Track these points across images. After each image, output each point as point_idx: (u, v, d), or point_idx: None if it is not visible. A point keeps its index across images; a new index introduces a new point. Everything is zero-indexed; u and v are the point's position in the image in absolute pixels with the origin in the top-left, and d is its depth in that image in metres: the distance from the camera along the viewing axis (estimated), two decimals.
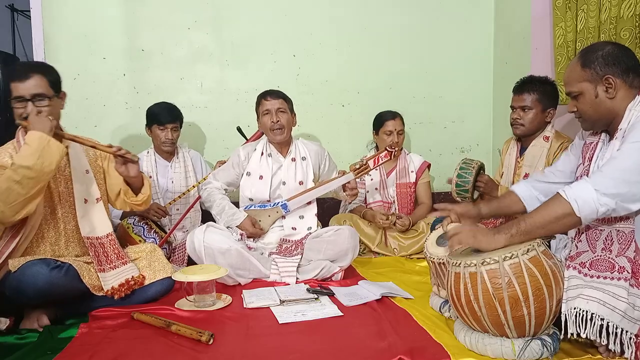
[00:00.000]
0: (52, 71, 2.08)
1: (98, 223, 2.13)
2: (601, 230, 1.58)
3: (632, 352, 1.44)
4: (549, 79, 2.53)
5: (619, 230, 1.54)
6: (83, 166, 2.14)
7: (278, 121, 2.61)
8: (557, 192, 1.55)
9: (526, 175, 2.42)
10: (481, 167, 2.51)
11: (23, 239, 1.96)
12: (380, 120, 3.19)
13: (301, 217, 2.65)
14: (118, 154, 2.08)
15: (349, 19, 3.46)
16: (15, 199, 1.81)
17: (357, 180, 2.65)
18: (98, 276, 2.04)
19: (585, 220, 1.50)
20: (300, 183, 2.68)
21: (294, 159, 2.71)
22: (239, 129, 3.12)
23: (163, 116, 2.88)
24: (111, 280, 2.04)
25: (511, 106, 2.53)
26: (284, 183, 2.67)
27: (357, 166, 2.61)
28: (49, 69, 2.08)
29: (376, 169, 3.16)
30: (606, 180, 1.48)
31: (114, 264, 2.09)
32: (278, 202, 2.63)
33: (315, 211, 2.69)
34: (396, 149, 2.70)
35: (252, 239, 2.58)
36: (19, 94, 1.98)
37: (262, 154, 2.70)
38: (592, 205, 1.47)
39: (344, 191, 2.63)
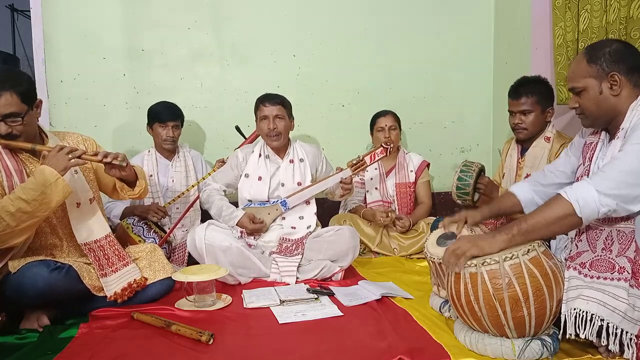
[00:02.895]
0: (23, 82, 1.88)
1: (95, 225, 2.07)
2: (601, 230, 1.58)
3: (632, 353, 1.44)
4: (541, 77, 2.51)
5: (619, 230, 1.54)
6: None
7: (275, 128, 2.61)
8: (558, 193, 1.54)
9: (527, 177, 2.41)
10: (481, 170, 2.51)
11: (15, 254, 1.91)
12: (373, 120, 3.22)
13: (301, 217, 2.65)
14: (104, 161, 1.95)
15: (349, 19, 3.46)
16: (3, 229, 1.74)
17: (356, 179, 2.66)
18: (98, 277, 2.03)
19: (586, 220, 1.50)
20: (299, 184, 2.68)
21: (291, 161, 2.72)
22: (237, 128, 3.12)
23: (164, 114, 2.89)
24: (113, 285, 2.02)
25: (509, 111, 2.51)
26: (282, 184, 2.67)
27: (354, 162, 2.62)
28: (18, 81, 1.86)
29: (375, 168, 3.17)
30: (607, 181, 1.48)
31: (115, 266, 2.05)
32: (277, 200, 2.63)
33: (315, 210, 2.70)
34: (391, 145, 2.71)
35: (252, 237, 2.58)
36: None
37: (259, 155, 2.71)
38: (593, 206, 1.47)
39: (340, 183, 2.63)
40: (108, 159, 1.94)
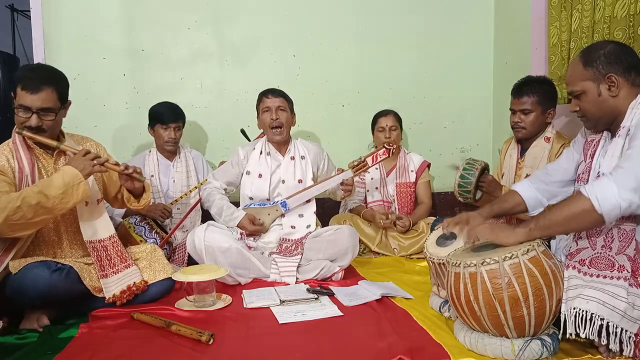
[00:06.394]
0: (63, 82, 2.01)
1: (100, 225, 2.09)
2: (602, 227, 1.57)
3: (630, 349, 1.44)
4: (547, 78, 2.51)
5: (619, 228, 1.54)
6: None
7: (277, 119, 2.61)
8: (578, 190, 1.53)
9: (527, 177, 2.40)
10: (485, 168, 2.50)
11: (19, 248, 1.93)
12: (374, 119, 3.22)
13: (300, 215, 2.66)
14: (125, 173, 2.03)
15: (349, 19, 3.46)
16: (19, 219, 1.77)
17: (357, 179, 2.65)
18: (99, 278, 2.03)
19: (608, 217, 1.45)
20: (300, 181, 2.68)
21: (292, 158, 2.72)
22: (242, 132, 3.12)
23: (166, 116, 2.89)
24: (113, 287, 2.02)
25: (511, 109, 2.51)
26: (283, 181, 2.67)
27: (356, 163, 2.61)
28: (60, 80, 2.00)
29: (376, 168, 3.16)
30: (627, 174, 1.45)
31: (117, 267, 2.05)
32: (277, 201, 2.63)
33: (315, 209, 2.70)
34: (394, 146, 2.68)
35: (252, 238, 2.58)
36: (25, 104, 1.90)
37: (261, 152, 2.71)
38: (613, 201, 1.43)
39: (341, 185, 2.62)
40: (129, 171, 2.03)
